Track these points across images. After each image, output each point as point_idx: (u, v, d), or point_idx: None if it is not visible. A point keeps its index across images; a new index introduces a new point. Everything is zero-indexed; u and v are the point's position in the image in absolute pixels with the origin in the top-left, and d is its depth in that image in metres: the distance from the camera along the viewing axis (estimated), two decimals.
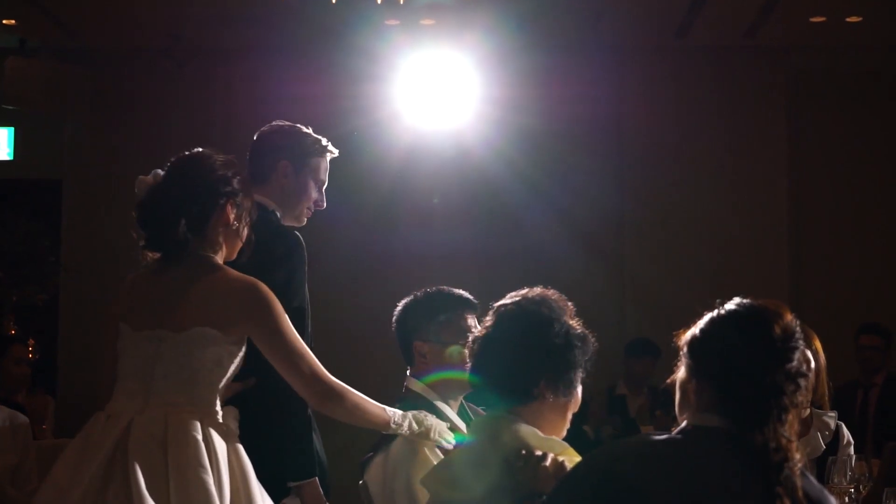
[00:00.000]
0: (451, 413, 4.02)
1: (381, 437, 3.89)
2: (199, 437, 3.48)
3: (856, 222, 10.01)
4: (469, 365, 3.29)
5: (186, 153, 3.83)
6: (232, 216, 3.72)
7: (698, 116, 9.91)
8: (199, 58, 9.64)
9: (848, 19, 9.16)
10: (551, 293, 3.32)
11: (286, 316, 3.67)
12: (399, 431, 3.78)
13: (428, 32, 9.23)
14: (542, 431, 3.16)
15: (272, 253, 4.09)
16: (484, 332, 3.28)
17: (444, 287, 4.18)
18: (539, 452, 3.03)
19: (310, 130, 4.58)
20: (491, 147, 9.58)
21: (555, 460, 2.99)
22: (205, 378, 3.57)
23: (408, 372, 4.16)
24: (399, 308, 4.18)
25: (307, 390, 3.68)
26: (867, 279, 9.88)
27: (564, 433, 3.29)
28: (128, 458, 3.43)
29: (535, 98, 9.62)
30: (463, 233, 9.84)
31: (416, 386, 4.05)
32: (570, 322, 3.26)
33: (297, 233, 4.29)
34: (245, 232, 3.79)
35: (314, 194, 4.47)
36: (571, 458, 3.03)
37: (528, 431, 3.13)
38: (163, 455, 3.44)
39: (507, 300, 3.31)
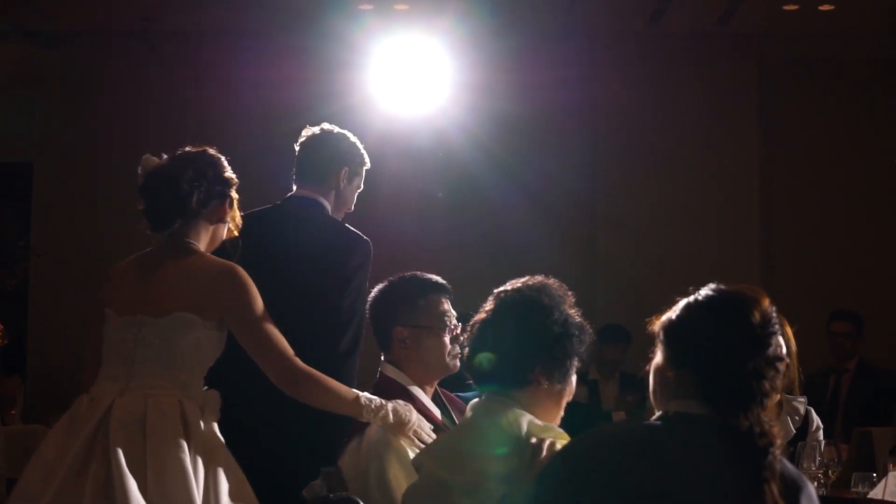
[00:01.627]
0: (426, 398, 4.02)
1: (358, 422, 3.89)
2: (178, 418, 3.58)
3: (826, 210, 10.05)
4: (466, 348, 3.32)
5: (192, 149, 3.98)
6: (225, 215, 3.93)
7: (671, 102, 9.93)
8: (171, 41, 9.61)
9: (820, 7, 9.19)
10: (552, 282, 3.34)
11: (260, 300, 3.77)
12: (370, 419, 3.78)
13: (401, 17, 9.23)
14: (537, 417, 3.18)
15: (349, 255, 4.48)
16: (483, 316, 3.30)
17: (419, 272, 4.19)
18: (534, 441, 3.05)
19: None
20: (464, 132, 9.59)
21: (551, 448, 3.00)
22: (185, 362, 3.69)
23: (382, 358, 4.16)
24: (375, 293, 4.18)
25: (277, 373, 3.76)
26: (838, 266, 9.93)
27: (559, 420, 3.32)
28: (109, 438, 3.52)
29: (509, 83, 9.62)
30: (436, 218, 9.85)
31: (391, 371, 4.05)
32: (569, 311, 3.29)
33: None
34: (223, 236, 3.98)
35: (353, 203, 4.82)
36: None
37: (525, 418, 3.15)
38: (142, 435, 3.54)
39: (507, 286, 3.34)
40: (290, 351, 3.76)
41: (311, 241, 4.56)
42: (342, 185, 4.73)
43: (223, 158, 3.99)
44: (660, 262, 9.50)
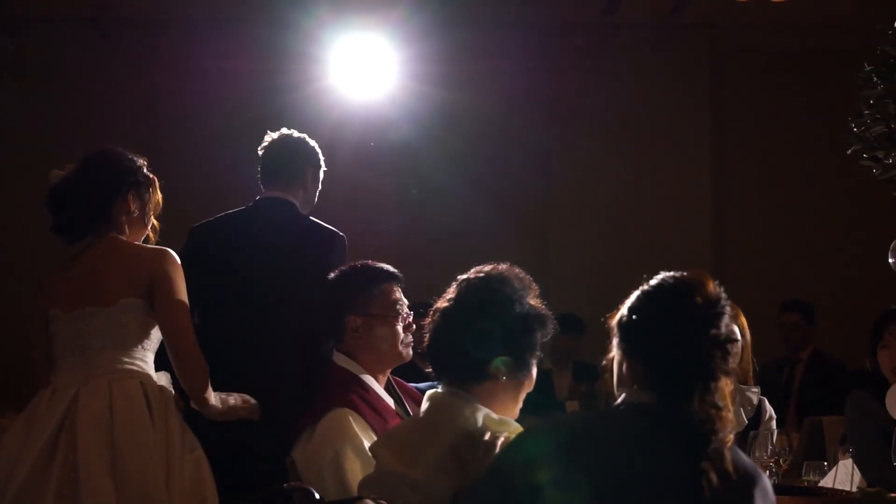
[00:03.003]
0: (378, 387, 4.02)
1: (309, 413, 3.89)
2: (143, 400, 3.82)
3: (779, 200, 10.11)
4: (427, 335, 3.30)
5: (96, 150, 4.19)
6: (134, 206, 4.10)
7: (624, 93, 9.95)
8: (124, 28, 9.52)
9: None
10: (517, 271, 3.32)
11: (184, 286, 4.00)
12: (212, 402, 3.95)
13: (354, 7, 9.19)
14: (494, 411, 3.17)
15: (331, 250, 4.73)
16: (445, 304, 3.27)
17: (371, 261, 4.19)
18: (487, 437, 3.04)
19: None
20: (419, 123, 9.57)
21: (506, 444, 2.99)
22: (139, 345, 3.92)
23: (332, 347, 4.15)
24: (327, 282, 4.17)
25: (179, 367, 3.93)
26: (791, 256, 9.99)
27: (517, 413, 3.31)
28: (76, 428, 3.74)
29: (462, 75, 9.60)
30: (390, 208, 9.83)
31: (343, 361, 4.05)
32: (532, 302, 3.27)
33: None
34: (149, 221, 4.19)
35: (314, 201, 5.10)
36: None
37: (481, 413, 3.14)
38: (110, 421, 3.76)
39: (471, 274, 3.31)
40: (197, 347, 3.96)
41: (292, 239, 4.81)
42: (310, 185, 5.02)
43: (120, 152, 4.16)
44: (613, 253, 9.54)
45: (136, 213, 4.11)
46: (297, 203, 4.95)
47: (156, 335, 3.97)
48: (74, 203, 4.06)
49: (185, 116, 9.62)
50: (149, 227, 4.20)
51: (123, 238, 4.06)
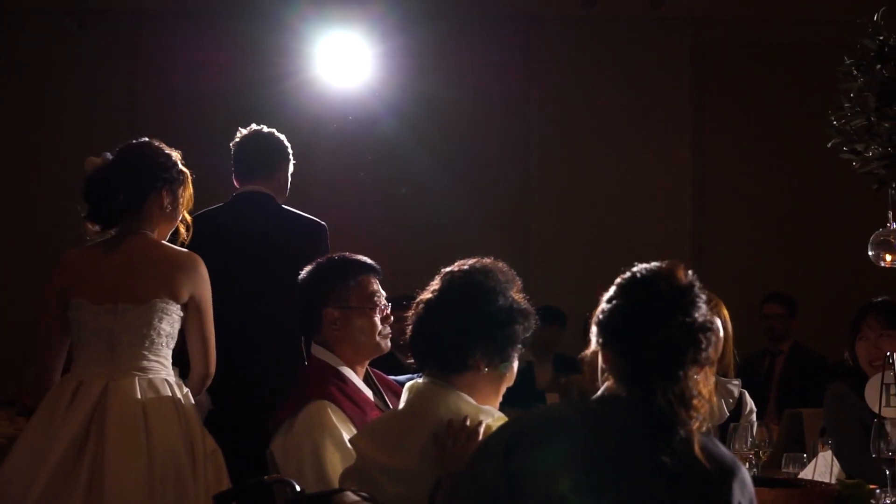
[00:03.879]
0: (357, 379, 4.01)
1: (286, 404, 3.88)
2: (169, 394, 4.12)
3: (759, 193, 10.14)
4: (410, 327, 3.31)
5: (134, 141, 4.38)
6: (167, 201, 4.29)
7: (605, 87, 9.96)
8: (102, 20, 9.46)
9: None
10: (501, 265, 3.33)
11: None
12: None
13: (335, 1, 9.17)
14: (475, 401, 3.18)
15: (319, 239, 5.02)
16: (429, 296, 3.28)
17: (348, 253, 4.18)
18: (469, 424, 3.04)
19: None
20: (399, 116, 9.57)
21: (488, 430, 3.00)
22: (164, 342, 4.18)
23: (309, 339, 4.15)
24: (304, 275, 4.16)
25: (203, 364, 4.28)
26: (771, 249, 10.02)
27: (497, 405, 3.31)
28: (106, 422, 3.97)
29: (443, 68, 9.62)
30: (369, 200, 9.82)
31: (321, 353, 4.04)
32: (515, 296, 3.27)
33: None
34: (179, 215, 4.37)
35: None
36: None
37: (462, 401, 3.14)
38: (142, 415, 4.01)
39: (455, 267, 3.32)
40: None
41: (279, 230, 5.04)
42: (283, 178, 5.25)
43: (158, 147, 4.35)
44: (593, 245, 9.55)
45: (169, 208, 4.30)
46: (273, 196, 5.14)
47: (176, 333, 4.22)
48: (110, 195, 4.23)
49: (164, 109, 9.58)
50: (178, 221, 4.39)
51: (153, 235, 4.27)
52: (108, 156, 4.32)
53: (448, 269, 3.34)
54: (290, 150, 5.29)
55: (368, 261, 4.16)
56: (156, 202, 4.27)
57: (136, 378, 4.07)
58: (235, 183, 5.26)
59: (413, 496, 3.04)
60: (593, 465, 2.54)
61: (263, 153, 5.22)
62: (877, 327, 4.53)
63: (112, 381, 4.05)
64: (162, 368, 4.16)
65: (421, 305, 3.29)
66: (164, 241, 4.30)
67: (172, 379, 4.18)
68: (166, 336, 4.18)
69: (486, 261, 3.33)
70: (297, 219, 5.14)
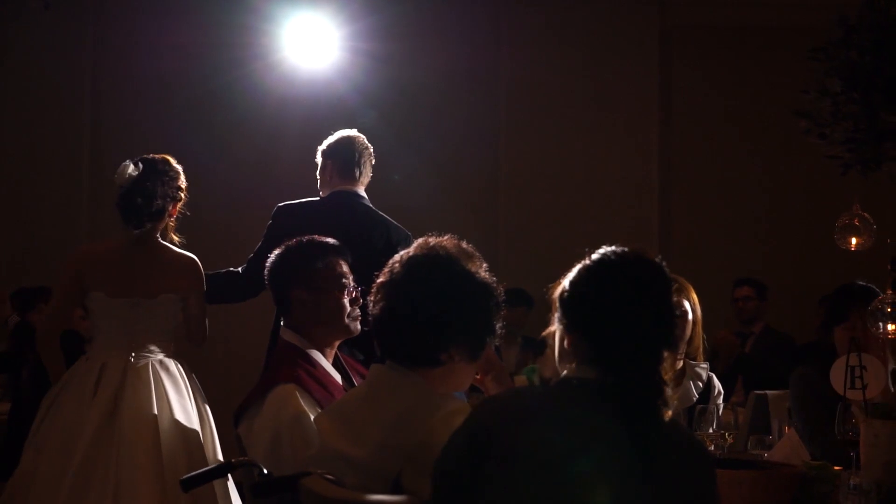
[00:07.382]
0: (326, 363, 4.00)
1: (254, 388, 3.87)
2: (178, 373, 5.04)
3: (727, 176, 10.16)
4: (372, 315, 3.20)
5: (159, 157, 5.18)
6: (174, 212, 5.20)
7: (573, 68, 9.95)
8: (67, 1, 9.39)
9: None
10: (463, 244, 3.23)
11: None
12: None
13: None
14: (443, 387, 3.11)
15: (397, 242, 5.48)
16: (389, 279, 3.16)
17: (316, 236, 4.17)
18: (431, 418, 2.97)
19: None
20: (365, 98, 9.54)
21: (451, 420, 2.90)
22: (171, 330, 5.13)
23: (281, 322, 4.14)
24: (273, 259, 4.15)
25: (198, 336, 5.25)
26: (739, 232, 10.06)
27: (468, 385, 3.27)
28: (129, 397, 4.85)
29: (410, 49, 9.59)
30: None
31: (290, 336, 4.03)
32: (483, 275, 3.20)
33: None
34: (170, 227, 5.24)
35: None
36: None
37: (427, 391, 3.07)
38: (158, 389, 4.90)
39: (416, 250, 3.19)
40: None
41: (378, 234, 5.67)
42: (367, 180, 5.93)
43: (177, 166, 5.19)
44: (561, 227, 9.55)
45: (172, 218, 5.22)
46: (364, 195, 5.79)
47: (177, 321, 5.15)
48: (142, 207, 5.06)
49: (129, 91, 9.52)
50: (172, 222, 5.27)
51: (161, 241, 5.15)
52: (140, 164, 5.09)
53: (407, 251, 3.20)
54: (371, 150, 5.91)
55: (336, 242, 4.15)
56: (170, 213, 5.17)
57: (150, 359, 4.99)
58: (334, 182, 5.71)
59: (370, 488, 2.94)
60: (567, 451, 2.52)
61: (353, 154, 5.80)
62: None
63: (130, 362, 4.96)
64: (168, 349, 5.09)
65: (382, 291, 3.16)
66: (168, 246, 5.17)
67: (182, 361, 5.11)
68: (170, 323, 5.12)
69: (446, 240, 3.21)
70: (394, 227, 5.75)
